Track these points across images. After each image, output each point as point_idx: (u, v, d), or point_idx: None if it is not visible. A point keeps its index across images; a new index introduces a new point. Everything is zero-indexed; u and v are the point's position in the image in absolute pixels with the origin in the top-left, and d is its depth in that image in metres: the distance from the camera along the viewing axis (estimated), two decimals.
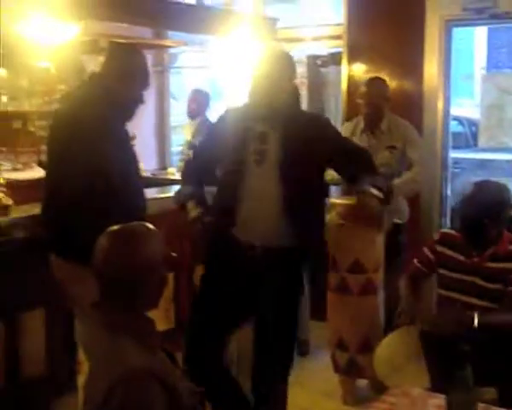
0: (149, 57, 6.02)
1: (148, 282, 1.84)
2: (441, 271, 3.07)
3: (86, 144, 2.40)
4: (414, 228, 3.95)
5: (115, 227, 1.89)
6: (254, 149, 2.63)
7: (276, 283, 2.67)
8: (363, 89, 3.78)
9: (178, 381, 1.84)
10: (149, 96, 6.23)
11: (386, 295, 3.56)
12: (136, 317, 1.85)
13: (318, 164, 2.78)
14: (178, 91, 7.39)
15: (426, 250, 3.14)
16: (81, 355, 1.87)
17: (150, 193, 3.84)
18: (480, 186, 2.95)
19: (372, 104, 3.71)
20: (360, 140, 3.79)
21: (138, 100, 2.65)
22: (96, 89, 2.55)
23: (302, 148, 2.61)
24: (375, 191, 2.75)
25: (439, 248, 3.09)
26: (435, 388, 2.25)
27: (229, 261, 2.68)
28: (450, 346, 2.19)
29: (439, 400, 2.04)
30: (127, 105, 2.60)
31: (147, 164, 5.94)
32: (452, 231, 3.13)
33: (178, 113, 6.56)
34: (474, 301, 2.86)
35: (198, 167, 2.95)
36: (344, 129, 3.96)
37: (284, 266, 2.71)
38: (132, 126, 5.94)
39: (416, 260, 3.20)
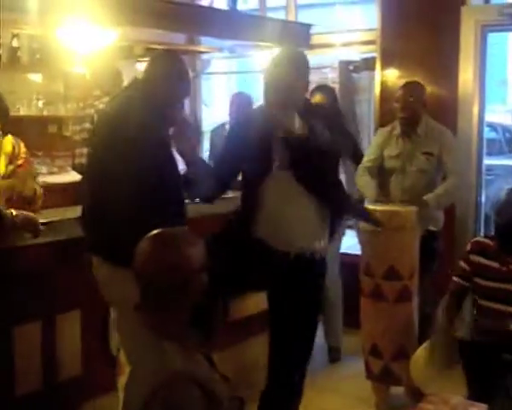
0: None
1: (187, 287, 1.84)
2: (476, 280, 3.04)
3: (130, 148, 2.44)
4: (449, 235, 3.91)
5: (156, 231, 1.91)
6: (278, 155, 2.61)
7: (305, 287, 2.66)
8: (399, 92, 3.75)
9: (217, 385, 1.84)
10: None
11: (420, 302, 3.53)
12: (176, 321, 1.86)
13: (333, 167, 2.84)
14: (208, 97, 7.43)
15: (461, 263, 3.12)
16: (122, 357, 1.88)
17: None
18: None
19: (408, 108, 3.67)
20: (396, 145, 3.76)
21: (180, 106, 2.71)
22: (138, 94, 2.59)
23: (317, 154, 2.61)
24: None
25: (474, 258, 3.06)
26: (474, 396, 2.22)
27: (253, 262, 2.67)
28: (492, 356, 2.16)
29: (480, 408, 2.01)
30: (169, 111, 2.64)
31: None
32: (484, 239, 3.09)
33: (207, 118, 6.60)
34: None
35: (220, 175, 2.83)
36: (379, 135, 3.94)
37: (314, 272, 2.71)
38: None
39: (454, 277, 3.16)
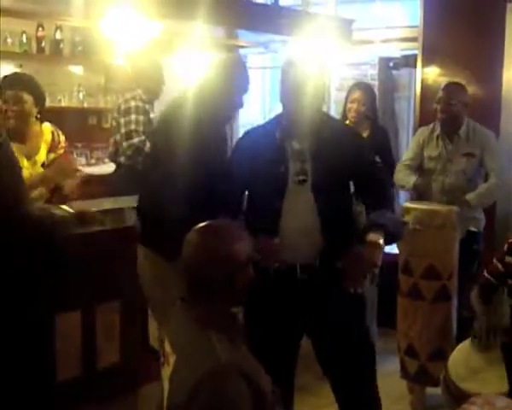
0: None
1: (235, 278, 1.85)
2: (510, 281, 2.99)
3: (190, 143, 2.50)
4: (489, 236, 3.85)
5: (204, 223, 1.93)
6: (295, 170, 2.44)
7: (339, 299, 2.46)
8: (440, 94, 3.69)
9: (262, 378, 1.85)
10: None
11: (459, 305, 3.49)
12: (222, 312, 1.87)
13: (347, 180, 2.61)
14: None
15: (495, 262, 3.08)
16: (167, 347, 1.90)
17: None
18: None
19: (449, 111, 3.62)
20: (436, 146, 3.72)
21: (238, 105, 2.77)
22: (201, 94, 2.68)
23: (335, 165, 2.43)
24: (381, 241, 2.42)
25: (509, 259, 3.01)
26: None
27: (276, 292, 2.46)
28: None
29: None
30: (228, 109, 2.75)
31: None
32: None
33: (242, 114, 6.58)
34: None
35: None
36: (419, 134, 3.89)
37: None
38: None
39: (486, 272, 3.14)
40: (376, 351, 4.18)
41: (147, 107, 4.12)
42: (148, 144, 3.82)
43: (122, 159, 4.10)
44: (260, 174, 2.44)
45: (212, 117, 2.65)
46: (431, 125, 3.81)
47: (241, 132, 6.49)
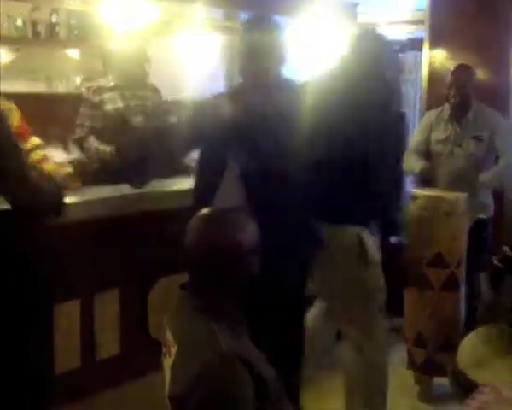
0: (220, 39, 5.99)
1: (237, 268, 1.81)
2: None
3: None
4: (499, 222, 3.79)
5: (208, 210, 1.88)
6: None
7: None
8: (451, 78, 3.64)
9: (264, 368, 1.82)
10: (219, 79, 6.20)
11: (468, 294, 3.43)
12: (224, 301, 1.83)
13: None
14: None
15: (505, 248, 3.05)
16: (168, 337, 1.83)
17: None
18: None
19: (462, 94, 3.60)
20: (445, 129, 3.68)
21: (393, 85, 2.78)
22: (352, 72, 2.65)
23: None
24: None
25: None
26: None
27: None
28: None
29: None
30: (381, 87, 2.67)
31: None
32: None
33: None
34: None
35: None
36: (426, 117, 3.85)
37: None
38: None
39: (495, 259, 3.11)
40: None
41: (113, 96, 3.76)
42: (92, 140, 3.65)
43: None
44: None
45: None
46: (439, 109, 3.78)
47: None
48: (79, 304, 2.78)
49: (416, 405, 3.45)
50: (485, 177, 3.54)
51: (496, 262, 3.15)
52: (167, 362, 1.83)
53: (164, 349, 1.87)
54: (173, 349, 1.80)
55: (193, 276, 1.84)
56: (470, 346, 2.94)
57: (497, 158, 3.65)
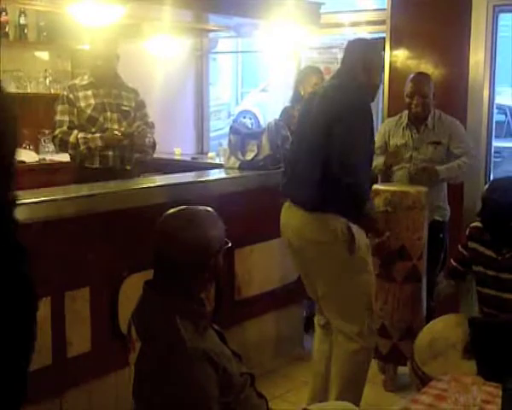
0: (189, 42, 6.04)
1: (205, 265, 1.84)
2: (476, 268, 3.04)
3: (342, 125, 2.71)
4: (457, 226, 3.85)
5: (177, 209, 1.89)
6: None
7: None
8: (409, 86, 3.69)
9: (229, 362, 1.85)
10: (188, 80, 6.25)
11: (427, 294, 3.53)
12: (191, 299, 1.85)
13: None
14: (214, 77, 7.38)
15: (460, 248, 3.14)
16: (133, 333, 1.88)
17: (191, 177, 3.87)
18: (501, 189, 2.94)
19: (424, 104, 3.65)
20: (403, 136, 3.75)
21: (379, 85, 3.05)
22: (346, 79, 2.90)
23: None
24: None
25: (471, 245, 3.07)
26: (485, 376, 2.21)
27: None
28: (505, 334, 2.15)
29: (493, 387, 2.01)
30: (371, 91, 2.96)
31: (186, 148, 5.97)
32: (480, 224, 3.06)
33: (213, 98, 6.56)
34: None
35: None
36: (385, 124, 3.93)
37: None
38: (171, 111, 5.96)
39: (452, 260, 3.20)
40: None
41: (86, 94, 3.77)
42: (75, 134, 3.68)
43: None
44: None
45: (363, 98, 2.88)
46: (396, 117, 3.85)
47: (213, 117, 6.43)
48: (49, 302, 2.80)
49: (381, 393, 3.55)
50: (441, 168, 3.59)
51: (453, 263, 3.23)
52: (132, 358, 1.85)
53: (129, 345, 1.89)
54: (137, 345, 1.82)
55: (161, 273, 1.86)
56: (426, 339, 3.02)
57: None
